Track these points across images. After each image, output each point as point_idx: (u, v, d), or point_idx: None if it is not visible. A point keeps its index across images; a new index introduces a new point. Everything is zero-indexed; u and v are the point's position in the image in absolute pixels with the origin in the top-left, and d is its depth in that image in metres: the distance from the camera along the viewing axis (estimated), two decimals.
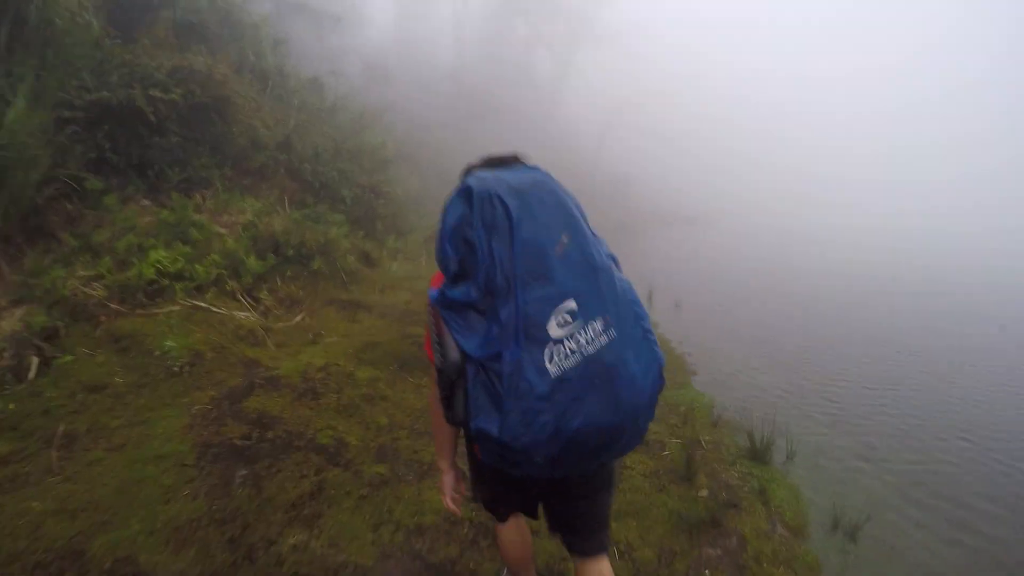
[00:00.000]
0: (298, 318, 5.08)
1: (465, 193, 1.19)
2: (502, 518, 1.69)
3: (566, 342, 1.10)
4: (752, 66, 64.41)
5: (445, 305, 1.19)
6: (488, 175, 1.22)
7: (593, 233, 1.24)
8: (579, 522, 1.51)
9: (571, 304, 1.12)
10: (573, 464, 1.18)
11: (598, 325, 1.14)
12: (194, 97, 5.78)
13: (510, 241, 1.12)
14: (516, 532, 1.71)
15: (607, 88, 37.20)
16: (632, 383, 1.16)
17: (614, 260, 1.29)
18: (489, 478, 1.55)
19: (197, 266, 4.73)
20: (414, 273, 7.32)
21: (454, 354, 1.19)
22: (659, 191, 38.39)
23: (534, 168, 1.30)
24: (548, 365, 1.09)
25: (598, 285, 1.17)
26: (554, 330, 1.10)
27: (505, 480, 1.44)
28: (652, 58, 41.62)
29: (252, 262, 5.13)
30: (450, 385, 1.22)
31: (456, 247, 1.17)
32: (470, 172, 1.36)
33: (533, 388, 1.08)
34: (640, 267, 12.86)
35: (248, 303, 4.92)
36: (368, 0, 28.08)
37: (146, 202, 5.46)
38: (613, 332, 1.16)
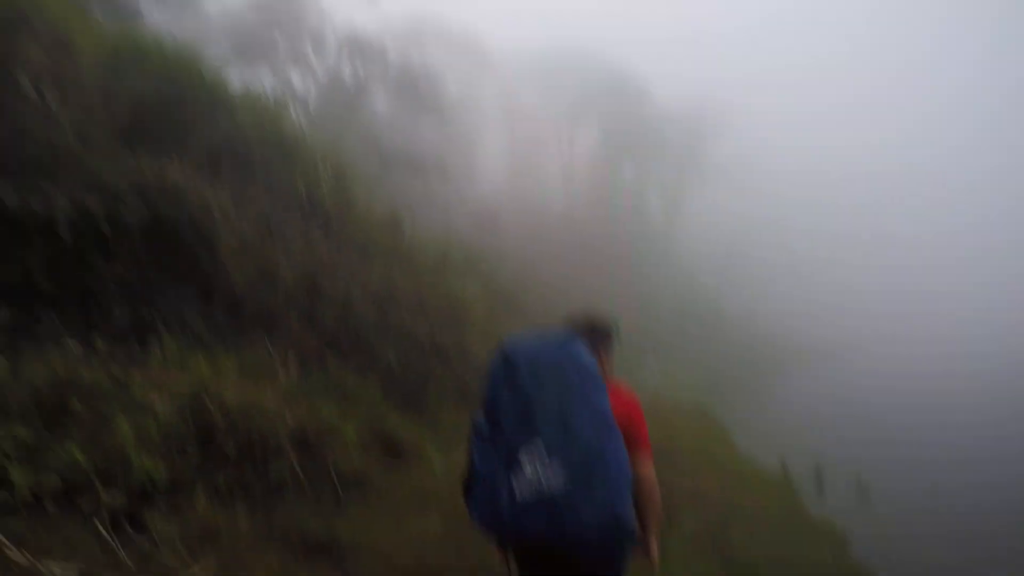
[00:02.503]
0: None
1: (500, 352, 1.73)
2: None
3: (532, 476, 1.52)
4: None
5: (472, 428, 1.72)
6: (520, 340, 1.76)
7: (590, 399, 1.62)
8: None
9: (543, 450, 1.53)
10: (541, 563, 1.69)
11: (559, 470, 1.51)
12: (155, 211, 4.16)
13: (513, 397, 1.62)
14: None
15: (722, 224, 35.16)
16: (576, 520, 1.50)
17: (607, 425, 1.61)
18: (520, 563, 1.84)
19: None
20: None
21: (471, 461, 1.69)
22: (791, 327, 33.86)
23: (569, 340, 1.73)
24: (516, 488, 1.53)
25: (570, 442, 1.54)
26: (526, 465, 1.53)
27: (529, 563, 1.79)
28: (764, 190, 39.25)
29: (144, 463, 2.93)
30: (469, 482, 1.69)
31: (487, 389, 1.71)
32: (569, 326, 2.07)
33: (501, 501, 1.55)
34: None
35: (110, 537, 2.65)
36: (479, 154, 29.65)
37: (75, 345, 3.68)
38: (570, 479, 1.51)
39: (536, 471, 1.53)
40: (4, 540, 2.39)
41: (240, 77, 13.38)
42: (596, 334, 2.04)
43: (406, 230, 10.14)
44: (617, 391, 1.86)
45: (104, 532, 2.68)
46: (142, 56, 6.15)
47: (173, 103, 5.90)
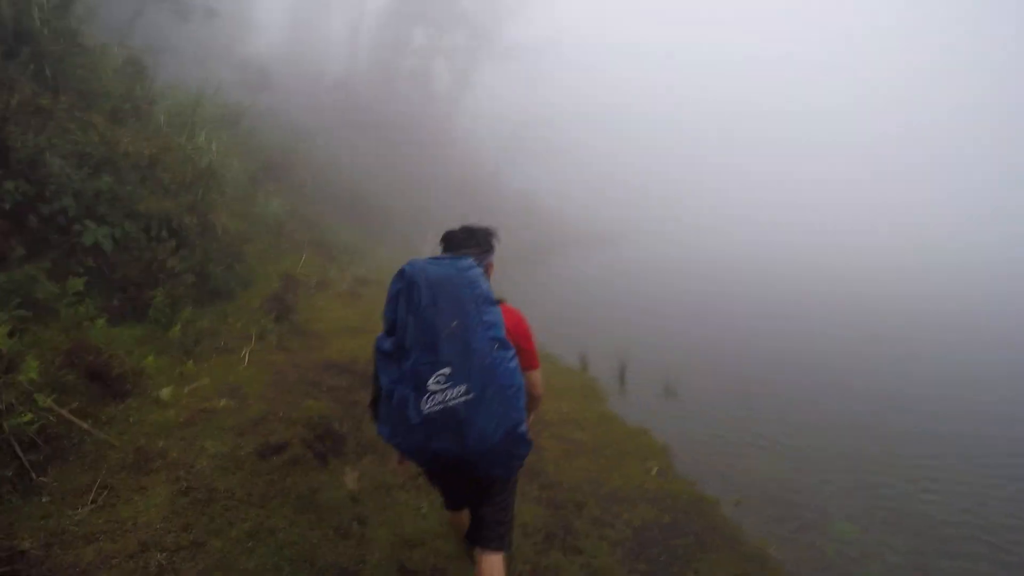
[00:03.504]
0: None
1: (401, 275, 1.73)
2: (450, 508, 2.24)
3: (437, 395, 1.62)
4: (685, 93, 64.36)
5: (376, 350, 1.76)
6: (420, 263, 1.76)
7: (483, 319, 1.70)
8: (482, 523, 1.99)
9: (446, 371, 1.62)
10: (448, 472, 1.86)
11: (462, 388, 1.63)
12: None
13: (417, 319, 1.65)
14: (460, 518, 2.23)
15: (511, 106, 35.46)
16: (479, 432, 1.64)
17: (500, 340, 1.72)
18: (430, 478, 2.14)
19: None
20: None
21: (376, 382, 1.80)
22: (572, 212, 36.94)
23: (457, 260, 1.80)
24: (422, 407, 1.61)
25: (470, 361, 1.64)
26: (431, 385, 1.61)
27: (435, 478, 2.10)
28: (563, 79, 40.32)
29: None
30: (375, 399, 1.85)
31: (389, 311, 1.74)
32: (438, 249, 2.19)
33: (410, 419, 1.63)
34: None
35: None
36: (255, 2, 24.94)
37: None
38: (472, 395, 1.63)
39: (442, 390, 1.62)
40: None
41: None
42: (482, 246, 2.13)
43: (148, 78, 7.67)
44: (505, 308, 1.94)
45: None
46: None
47: None
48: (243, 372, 4.33)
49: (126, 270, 4.57)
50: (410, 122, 27.32)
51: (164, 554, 2.32)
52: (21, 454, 2.66)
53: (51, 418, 2.90)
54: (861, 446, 5.26)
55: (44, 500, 2.53)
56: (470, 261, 1.81)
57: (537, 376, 2.05)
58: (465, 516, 2.16)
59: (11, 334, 3.12)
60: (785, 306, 15.24)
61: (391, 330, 1.71)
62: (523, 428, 1.73)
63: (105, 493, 2.64)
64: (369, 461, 3.47)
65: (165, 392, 3.59)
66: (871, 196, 71.22)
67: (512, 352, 1.75)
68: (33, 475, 2.64)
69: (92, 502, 2.56)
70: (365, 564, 2.53)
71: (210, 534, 2.47)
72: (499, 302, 1.86)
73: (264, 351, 4.87)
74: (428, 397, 1.61)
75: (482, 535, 1.97)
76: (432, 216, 22.13)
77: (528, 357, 1.98)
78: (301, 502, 2.84)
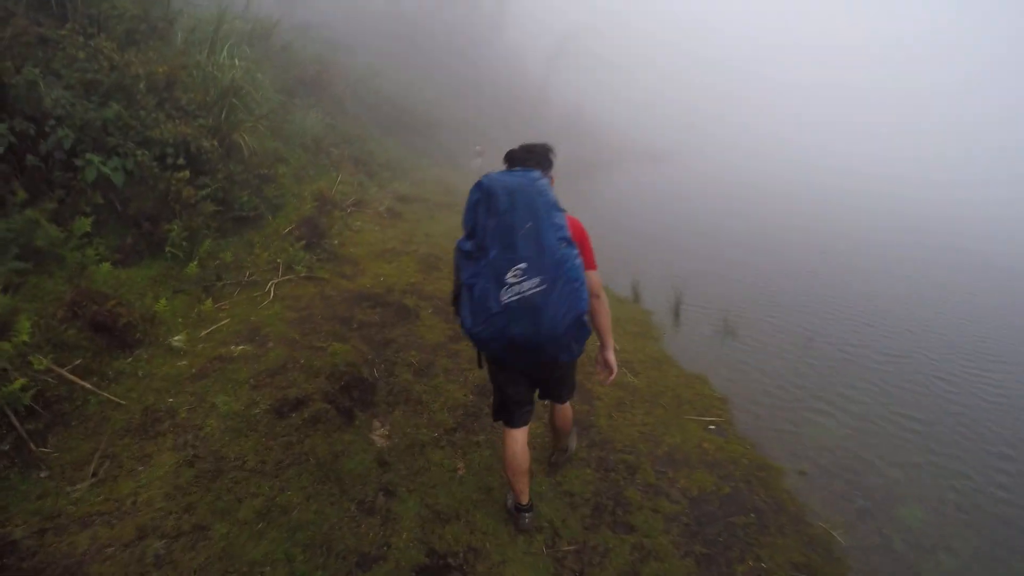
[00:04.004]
0: None
1: (479, 187, 1.94)
2: (511, 422, 2.27)
3: (515, 286, 1.83)
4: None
5: (457, 251, 1.96)
6: (496, 176, 1.98)
7: (553, 221, 1.90)
8: (554, 391, 2.38)
9: (523, 265, 1.83)
10: (520, 355, 1.97)
11: (536, 280, 1.84)
12: None
13: (497, 222, 1.87)
14: (519, 446, 2.27)
15: (558, 14, 32.77)
16: (551, 318, 1.85)
17: (567, 240, 1.92)
18: (493, 373, 2.25)
19: None
20: (229, 352, 3.37)
21: (458, 278, 1.97)
22: (618, 126, 34.73)
23: (528, 172, 2.00)
24: (502, 297, 1.84)
25: (543, 257, 1.85)
26: (509, 278, 1.83)
27: (502, 370, 2.20)
28: None
29: None
30: (457, 295, 1.99)
31: (469, 218, 1.95)
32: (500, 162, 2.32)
33: (490, 308, 1.84)
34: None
35: None
36: None
37: None
38: (545, 287, 1.84)
39: (519, 283, 1.83)
40: None
41: None
42: (541, 163, 2.25)
43: None
44: (567, 215, 2.04)
45: None
46: None
47: None
48: (266, 309, 4.02)
49: (140, 204, 4.24)
50: (455, 33, 25.67)
51: (163, 541, 2.07)
52: (18, 424, 2.43)
53: (50, 380, 2.65)
54: (938, 420, 4.47)
55: (43, 475, 2.32)
56: (538, 173, 2.02)
57: (596, 276, 2.20)
58: (521, 446, 2.27)
59: (4, 289, 2.85)
60: (853, 235, 13.86)
61: (471, 233, 1.93)
62: (586, 317, 1.96)
63: (107, 464, 2.40)
64: (401, 413, 3.13)
65: (179, 339, 3.32)
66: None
67: (576, 251, 1.95)
68: (32, 446, 2.42)
69: (93, 475, 2.33)
70: (389, 548, 2.21)
71: (215, 515, 2.20)
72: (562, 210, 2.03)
73: (292, 283, 4.56)
74: (506, 288, 1.83)
75: (552, 395, 2.41)
76: (477, 130, 21.13)
77: (588, 258, 2.16)
78: (321, 470, 2.53)
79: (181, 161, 4.70)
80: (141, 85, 4.84)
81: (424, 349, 3.87)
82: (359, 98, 14.29)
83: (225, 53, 6.50)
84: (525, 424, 2.27)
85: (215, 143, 5.05)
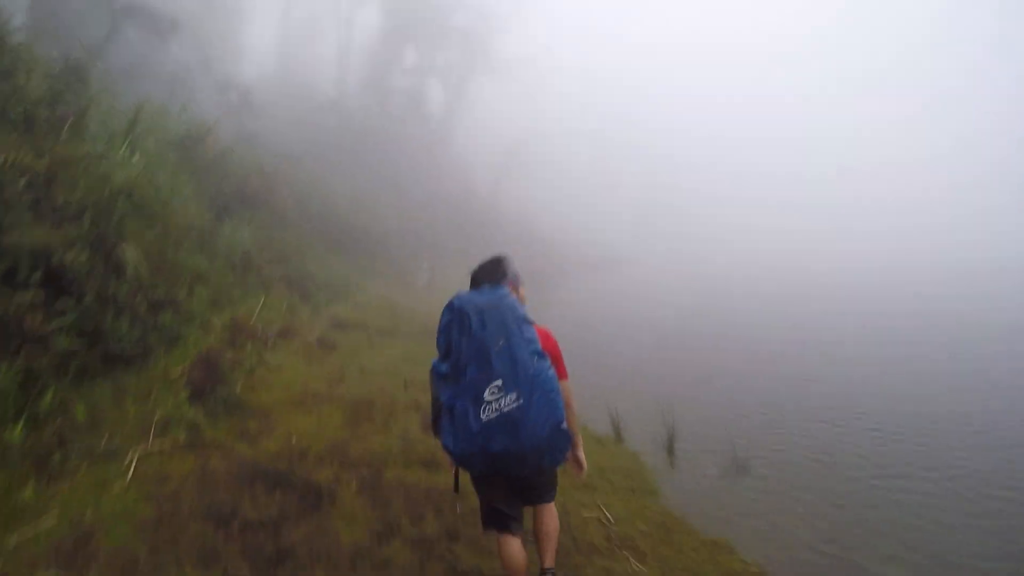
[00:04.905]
0: None
1: (451, 308, 2.02)
2: (502, 528, 2.22)
3: (493, 403, 1.88)
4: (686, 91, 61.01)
5: (433, 373, 2.06)
6: (465, 296, 2.07)
7: (524, 336, 1.98)
8: (536, 495, 2.30)
9: (498, 382, 1.89)
10: (502, 469, 1.99)
11: (513, 395, 1.89)
12: None
13: (469, 341, 1.93)
14: (516, 547, 2.21)
15: (506, 123, 34.44)
16: (531, 430, 1.89)
17: (539, 353, 2.00)
18: (480, 488, 2.23)
19: None
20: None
21: (436, 399, 2.07)
22: (570, 233, 35.46)
23: (496, 289, 2.12)
24: (481, 416, 1.87)
25: (517, 373, 1.91)
26: (487, 396, 1.88)
27: (489, 486, 2.19)
28: (556, 89, 39.42)
29: None
30: (436, 417, 2.09)
31: (443, 340, 2.02)
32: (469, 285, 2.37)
33: (471, 427, 1.87)
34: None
35: None
36: (244, 25, 24.44)
37: None
38: (522, 401, 1.89)
39: (496, 400, 1.88)
40: None
41: None
42: (505, 277, 2.35)
43: (87, 87, 6.31)
44: (536, 327, 2.13)
45: None
46: None
47: None
48: (117, 500, 2.75)
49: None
50: (403, 143, 26.19)
51: None
52: None
53: None
54: None
55: None
56: (507, 290, 2.14)
57: (568, 386, 2.27)
58: (517, 547, 2.21)
59: None
60: (842, 325, 13.37)
61: (446, 355, 2.01)
62: (564, 424, 2.02)
63: None
64: None
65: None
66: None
67: (549, 362, 2.05)
68: None
69: None
70: None
71: None
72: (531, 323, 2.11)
73: (166, 453, 3.29)
74: (486, 406, 1.89)
75: (534, 499, 2.31)
76: (426, 242, 20.69)
77: (560, 368, 2.26)
78: None
79: (36, 277, 3.58)
80: (22, 181, 3.90)
81: (337, 564, 2.62)
82: (303, 210, 13.55)
83: (125, 148, 5.60)
84: (519, 531, 2.26)
85: (89, 256, 3.96)
